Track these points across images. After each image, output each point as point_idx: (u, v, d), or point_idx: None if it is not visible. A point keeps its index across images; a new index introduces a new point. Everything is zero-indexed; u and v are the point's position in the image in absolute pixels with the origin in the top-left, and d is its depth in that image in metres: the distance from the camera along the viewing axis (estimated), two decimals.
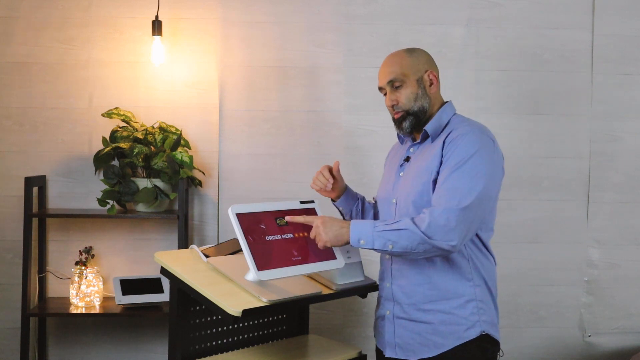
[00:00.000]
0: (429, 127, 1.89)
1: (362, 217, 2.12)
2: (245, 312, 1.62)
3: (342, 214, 2.13)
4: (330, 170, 2.04)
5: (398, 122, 1.91)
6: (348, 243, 1.76)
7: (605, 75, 3.00)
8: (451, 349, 1.81)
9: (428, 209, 1.72)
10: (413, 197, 1.84)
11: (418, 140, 1.93)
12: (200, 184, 2.90)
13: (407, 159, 1.94)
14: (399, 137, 2.04)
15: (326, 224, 1.77)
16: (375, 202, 2.13)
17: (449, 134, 1.83)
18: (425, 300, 1.84)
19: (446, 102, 1.95)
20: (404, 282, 1.87)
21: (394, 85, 1.89)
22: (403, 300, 1.87)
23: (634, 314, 3.05)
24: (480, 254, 1.86)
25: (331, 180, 2.02)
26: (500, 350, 1.89)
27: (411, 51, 1.93)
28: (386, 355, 1.92)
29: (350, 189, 2.11)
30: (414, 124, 1.90)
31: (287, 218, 1.84)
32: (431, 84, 1.91)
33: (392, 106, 1.90)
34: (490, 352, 1.84)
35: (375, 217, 2.11)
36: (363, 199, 2.14)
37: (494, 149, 1.81)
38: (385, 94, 1.93)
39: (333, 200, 2.11)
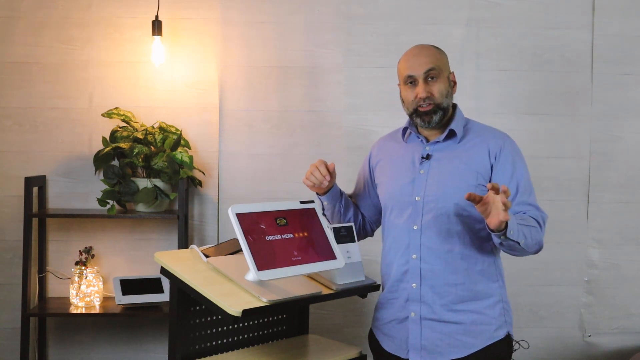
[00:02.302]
0: (455, 127, 1.89)
1: (344, 214, 2.05)
2: (245, 312, 1.62)
3: (323, 208, 2.04)
4: (326, 166, 1.95)
5: (426, 114, 1.86)
6: (502, 231, 1.66)
7: (605, 75, 3.00)
8: (482, 348, 1.82)
9: (530, 210, 1.80)
10: (456, 197, 1.82)
11: (438, 139, 1.90)
12: (200, 184, 2.90)
13: (427, 157, 1.90)
14: (403, 134, 2.00)
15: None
16: (351, 196, 2.12)
17: (487, 141, 1.87)
18: (457, 300, 1.83)
19: (454, 104, 1.96)
20: (437, 282, 1.84)
21: (429, 75, 1.85)
22: (434, 301, 1.85)
23: (634, 314, 3.05)
24: (498, 258, 1.91)
25: (328, 178, 1.93)
26: (526, 342, 1.93)
27: (439, 49, 1.93)
28: (410, 359, 1.89)
29: (336, 184, 2.04)
30: (442, 119, 1.88)
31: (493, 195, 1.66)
32: (454, 84, 1.93)
33: (425, 98, 1.85)
34: (511, 353, 1.88)
35: (355, 214, 2.08)
36: (346, 195, 2.08)
37: None
38: (410, 84, 1.87)
39: (318, 194, 2.03)
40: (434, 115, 1.86)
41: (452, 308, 1.84)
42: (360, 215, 2.12)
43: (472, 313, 1.83)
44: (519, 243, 1.69)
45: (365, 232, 2.15)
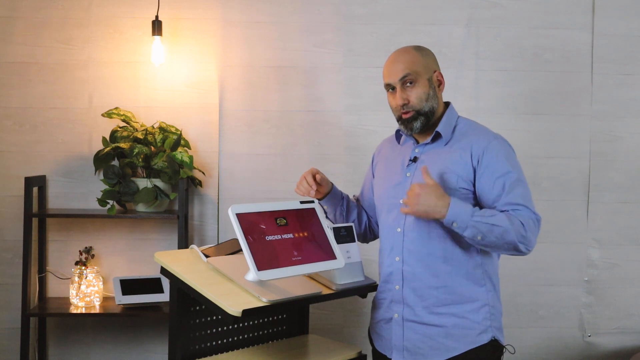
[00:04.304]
0: (441, 129, 1.87)
1: (347, 216, 2.07)
2: (245, 312, 1.62)
3: (325, 212, 2.07)
4: (314, 176, 1.98)
5: (407, 122, 1.86)
6: (438, 219, 1.72)
7: (605, 75, 3.00)
8: (463, 353, 1.81)
9: (518, 210, 1.75)
10: None
11: (426, 141, 1.90)
12: (200, 184, 2.90)
13: (414, 160, 1.90)
14: (397, 136, 2.01)
15: (423, 195, 1.72)
16: (357, 199, 2.12)
17: (471, 143, 1.83)
18: (439, 303, 1.82)
19: (447, 102, 1.94)
20: (418, 285, 1.84)
21: (406, 82, 1.84)
22: (415, 303, 1.84)
23: (634, 314, 3.05)
24: (489, 259, 1.87)
25: (314, 187, 1.97)
26: (512, 347, 1.89)
27: (420, 49, 1.90)
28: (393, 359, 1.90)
29: (336, 188, 2.06)
30: (424, 124, 1.86)
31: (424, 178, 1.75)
32: (439, 84, 1.90)
33: (402, 105, 1.85)
34: (498, 358, 1.85)
35: (360, 216, 2.10)
36: (348, 198, 2.10)
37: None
38: (391, 90, 1.88)
39: (319, 199, 2.05)
40: (415, 122, 1.86)
41: (434, 311, 1.83)
42: (365, 217, 2.12)
43: (454, 316, 1.82)
44: (474, 239, 1.71)
45: (374, 233, 2.15)
